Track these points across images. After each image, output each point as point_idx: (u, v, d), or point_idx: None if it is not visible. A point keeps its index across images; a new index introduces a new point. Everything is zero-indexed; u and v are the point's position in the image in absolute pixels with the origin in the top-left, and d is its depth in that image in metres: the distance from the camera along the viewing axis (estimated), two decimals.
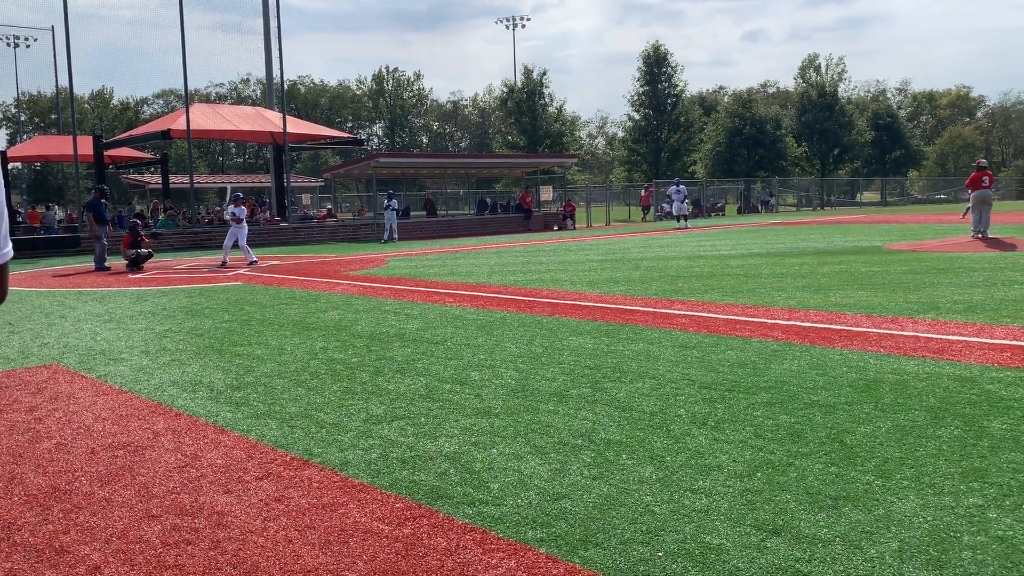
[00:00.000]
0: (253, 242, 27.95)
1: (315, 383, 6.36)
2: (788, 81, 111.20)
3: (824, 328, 8.06)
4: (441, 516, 3.71)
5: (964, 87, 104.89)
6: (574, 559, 3.23)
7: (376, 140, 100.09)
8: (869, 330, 7.86)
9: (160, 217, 28.72)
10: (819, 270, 13.63)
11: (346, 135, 40.73)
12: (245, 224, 19.49)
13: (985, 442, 4.41)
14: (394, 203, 30.01)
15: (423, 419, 5.26)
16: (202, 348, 8.01)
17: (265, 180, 50.15)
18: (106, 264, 18.64)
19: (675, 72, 61.95)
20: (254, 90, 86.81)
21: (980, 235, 19.10)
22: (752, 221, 38.51)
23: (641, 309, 9.73)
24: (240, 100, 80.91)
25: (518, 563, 3.22)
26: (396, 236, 29.43)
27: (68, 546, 3.54)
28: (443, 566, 3.23)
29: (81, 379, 6.82)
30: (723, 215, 50.04)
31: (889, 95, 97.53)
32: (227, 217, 20.09)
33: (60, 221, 34.01)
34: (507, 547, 3.37)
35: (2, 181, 1.19)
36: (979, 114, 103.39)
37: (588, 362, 6.78)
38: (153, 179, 43.94)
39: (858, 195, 72.68)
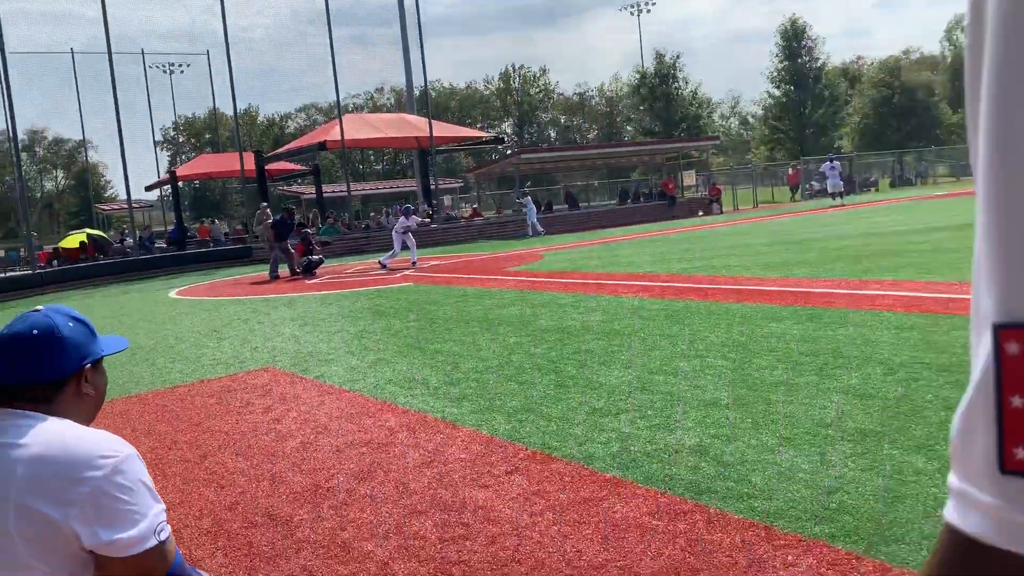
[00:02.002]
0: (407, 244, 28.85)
1: (524, 377, 6.39)
2: (932, 46, 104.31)
3: None
4: (712, 511, 3.59)
5: None
6: (879, 555, 3.04)
7: (506, 138, 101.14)
8: None
9: (321, 225, 30.06)
10: None
11: (487, 135, 41.33)
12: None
13: None
14: (528, 199, 30.24)
15: (649, 411, 5.16)
16: (403, 347, 8.24)
17: (405, 184, 51.66)
18: (277, 273, 19.71)
19: (816, 45, 59.25)
20: (388, 98, 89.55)
21: None
22: (910, 195, 36.34)
23: (834, 291, 9.28)
24: (375, 109, 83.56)
25: (818, 560, 3.06)
26: (541, 230, 29.53)
27: (350, 543, 3.66)
28: (736, 563, 3.11)
29: (300, 380, 7.15)
30: (877, 190, 47.49)
31: None
32: (400, 228, 20.35)
33: (227, 234, 36.18)
34: (798, 543, 3.22)
35: None
36: None
37: (801, 348, 6.49)
38: (307, 190, 46.08)
39: None
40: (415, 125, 32.31)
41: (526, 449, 4.67)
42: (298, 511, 4.09)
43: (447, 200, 41.99)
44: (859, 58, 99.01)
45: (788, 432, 4.52)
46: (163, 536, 1.62)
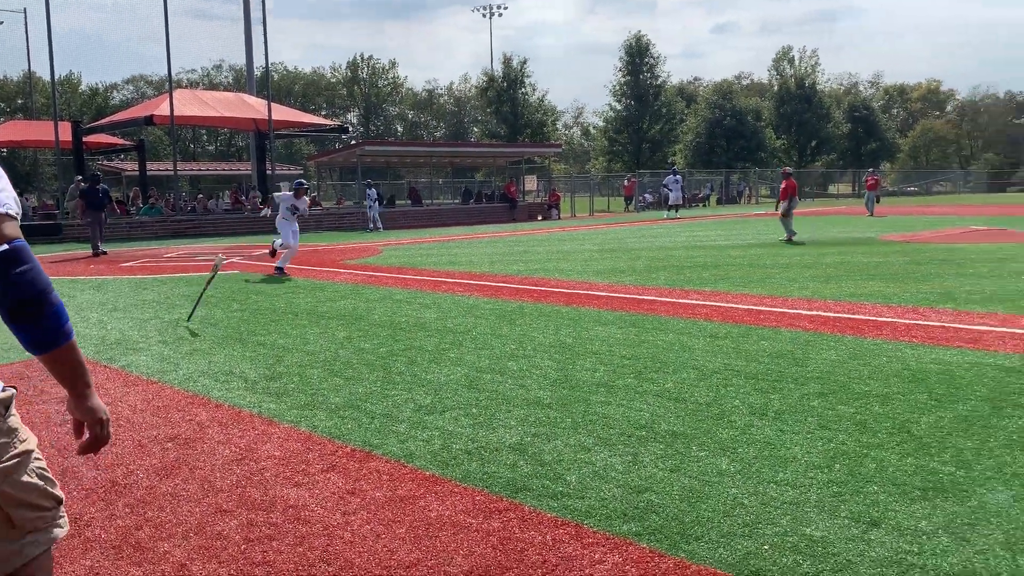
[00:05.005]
0: (236, 231, 27.62)
1: (351, 373, 6.23)
2: (761, 73, 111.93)
3: (849, 318, 8.07)
4: (527, 509, 3.62)
5: (935, 80, 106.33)
6: (679, 553, 3.16)
7: (351, 128, 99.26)
8: (895, 320, 7.88)
9: (142, 205, 28.23)
10: (822, 260, 13.69)
11: (331, 123, 40.27)
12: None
13: None
14: (373, 192, 29.72)
15: (474, 410, 5.16)
16: (221, 338, 7.83)
17: (241, 168, 49.51)
18: (102, 250, 18.46)
19: (657, 63, 61.99)
20: (226, 77, 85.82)
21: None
22: (735, 212, 38.73)
23: (658, 299, 9.68)
24: (212, 87, 79.73)
25: (623, 558, 3.14)
26: (380, 226, 29.09)
27: (145, 542, 3.41)
28: (545, 561, 3.14)
29: (104, 369, 6.63)
30: (706, 205, 50.29)
31: (861, 88, 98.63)
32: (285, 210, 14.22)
33: (35, 208, 33.27)
34: (606, 541, 3.29)
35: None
36: (949, 107, 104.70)
37: (623, 352, 6.71)
38: (130, 166, 43.18)
39: (830, 187, 73.47)
40: (253, 107, 31.00)
41: (346, 447, 4.54)
42: (89, 509, 3.77)
43: (284, 187, 40.56)
44: (695, 79, 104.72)
45: (604, 432, 4.64)
46: (11, 211, 1.73)
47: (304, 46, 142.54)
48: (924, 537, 3.23)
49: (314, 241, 23.51)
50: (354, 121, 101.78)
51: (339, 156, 37.65)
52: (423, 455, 4.35)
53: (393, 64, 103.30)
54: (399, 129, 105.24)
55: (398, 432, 4.75)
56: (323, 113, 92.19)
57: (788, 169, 19.38)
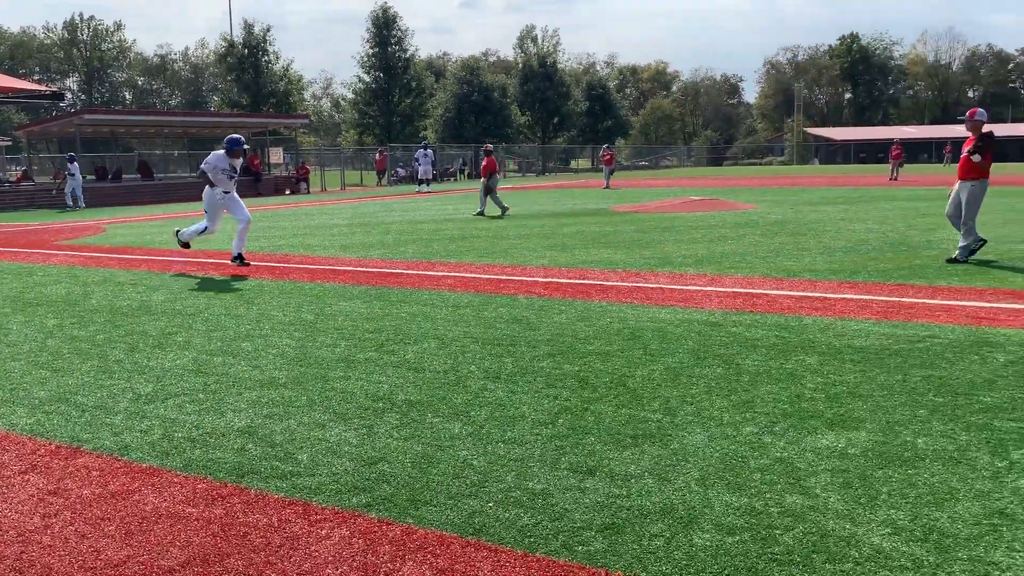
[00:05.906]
0: None
1: (60, 364, 5.64)
2: (507, 51, 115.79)
3: (579, 283, 8.57)
4: (253, 492, 3.48)
5: (662, 62, 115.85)
6: (407, 520, 3.19)
7: (71, 95, 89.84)
8: (619, 284, 8.48)
9: None
10: (559, 231, 14.43)
11: (44, 88, 36.00)
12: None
13: (745, 378, 4.96)
14: (75, 166, 26.96)
15: (201, 395, 4.87)
16: None
17: None
18: None
19: (405, 36, 61.74)
20: None
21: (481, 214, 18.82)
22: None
23: (405, 272, 9.71)
24: None
25: (351, 531, 3.11)
26: (82, 204, 26.37)
27: None
28: (269, 543, 3.04)
29: None
30: (459, 179, 51.17)
31: (598, 68, 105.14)
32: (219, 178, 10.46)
33: None
34: (334, 516, 3.24)
35: None
36: (674, 88, 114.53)
37: (367, 326, 6.66)
38: None
39: (572, 162, 77.84)
40: None
41: (50, 444, 4.10)
42: None
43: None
44: (444, 54, 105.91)
45: (341, 408, 4.57)
46: None
47: (10, 1, 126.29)
48: (632, 480, 3.50)
49: (24, 220, 21.04)
50: (74, 87, 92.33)
51: (55, 125, 33.81)
52: (140, 446, 4.04)
53: (119, 26, 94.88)
54: (127, 97, 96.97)
55: (112, 424, 4.37)
56: (36, 78, 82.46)
57: (489, 147, 20.08)
